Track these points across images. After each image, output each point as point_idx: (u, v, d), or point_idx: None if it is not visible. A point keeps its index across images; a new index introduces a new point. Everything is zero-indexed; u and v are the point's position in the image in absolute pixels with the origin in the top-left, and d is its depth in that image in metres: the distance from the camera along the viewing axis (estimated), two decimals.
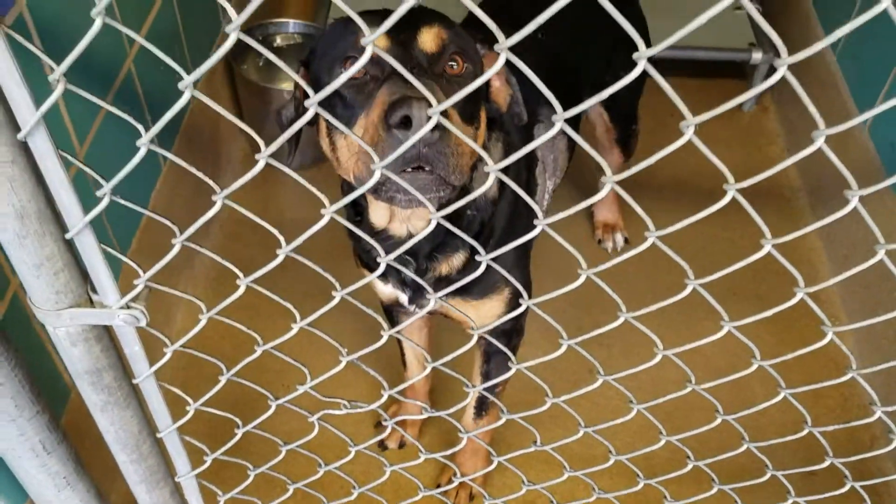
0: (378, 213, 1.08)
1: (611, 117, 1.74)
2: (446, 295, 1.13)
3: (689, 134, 0.57)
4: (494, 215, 1.15)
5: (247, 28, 2.22)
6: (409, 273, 0.94)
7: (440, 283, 1.14)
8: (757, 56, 2.35)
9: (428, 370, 0.92)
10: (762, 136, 2.48)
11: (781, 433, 0.96)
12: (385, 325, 0.87)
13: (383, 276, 1.20)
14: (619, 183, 0.60)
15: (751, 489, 1.01)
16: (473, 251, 1.13)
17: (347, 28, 0.94)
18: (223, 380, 0.91)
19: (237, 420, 1.00)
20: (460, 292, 1.17)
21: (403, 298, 1.20)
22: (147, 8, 1.62)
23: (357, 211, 1.12)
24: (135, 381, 0.88)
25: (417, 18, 0.91)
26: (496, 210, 1.14)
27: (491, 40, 0.96)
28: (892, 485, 1.51)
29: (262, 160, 0.63)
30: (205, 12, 2.03)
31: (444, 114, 0.60)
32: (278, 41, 2.33)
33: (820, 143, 0.57)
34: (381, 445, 1.67)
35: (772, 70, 2.42)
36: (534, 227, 0.69)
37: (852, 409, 1.72)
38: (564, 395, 0.87)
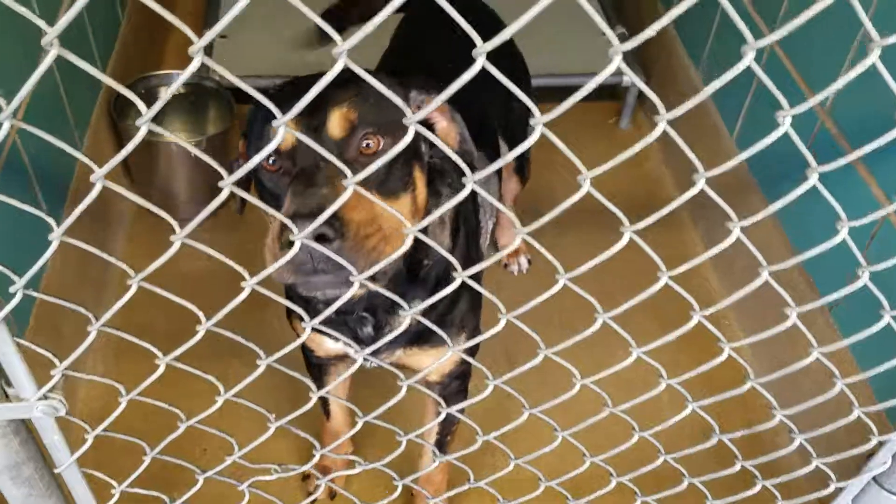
0: None
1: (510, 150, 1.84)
2: (405, 345, 1.18)
3: (585, 187, 0.62)
4: (449, 265, 1.15)
5: (129, 83, 2.18)
6: (367, 330, 0.94)
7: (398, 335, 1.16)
8: (627, 79, 2.50)
9: (359, 425, 0.93)
10: (639, 152, 2.62)
11: (695, 442, 1.02)
12: (312, 385, 0.88)
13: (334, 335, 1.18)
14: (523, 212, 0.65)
15: (673, 498, 1.07)
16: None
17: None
18: (147, 459, 0.90)
19: (164, 497, 0.98)
20: (418, 341, 1.19)
21: (354, 353, 1.20)
22: (28, 71, 1.57)
23: None
24: (56, 471, 0.86)
25: (330, 96, 0.90)
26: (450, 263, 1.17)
27: (429, 85, 1.00)
28: (801, 478, 1.62)
29: (177, 241, 0.63)
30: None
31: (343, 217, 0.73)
32: (163, 93, 2.29)
33: (701, 184, 0.64)
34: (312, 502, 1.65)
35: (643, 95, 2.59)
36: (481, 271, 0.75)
37: (756, 408, 1.85)
38: (494, 433, 0.90)
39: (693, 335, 0.70)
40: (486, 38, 0.51)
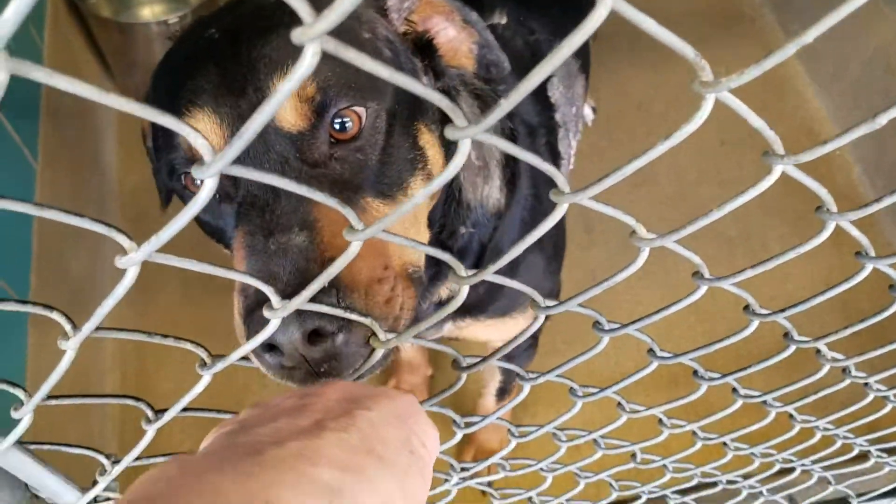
0: None
1: None
2: (456, 317, 0.98)
3: None
4: (498, 231, 0.93)
5: None
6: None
7: (440, 307, 0.99)
8: None
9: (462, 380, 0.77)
10: None
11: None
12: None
13: None
14: None
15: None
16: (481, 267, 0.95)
17: (176, 85, 0.65)
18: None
19: None
20: (472, 312, 0.99)
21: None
22: None
23: None
24: None
25: (261, 47, 0.63)
26: (501, 224, 0.93)
27: None
28: None
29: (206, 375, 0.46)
30: None
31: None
32: None
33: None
34: None
35: None
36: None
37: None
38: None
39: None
40: None
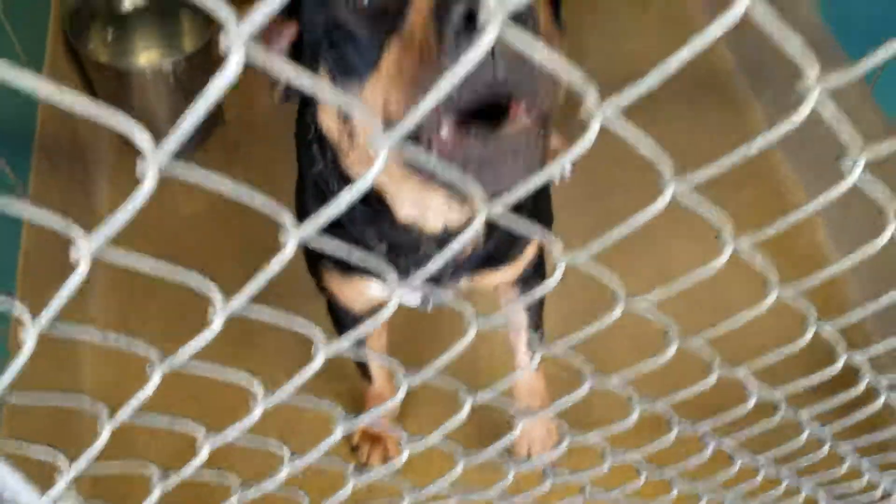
0: (408, 205, 0.88)
1: None
2: (472, 270, 1.02)
3: None
4: None
5: None
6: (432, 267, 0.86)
7: (462, 263, 1.01)
8: None
9: (402, 390, 0.77)
10: (681, 12, 2.41)
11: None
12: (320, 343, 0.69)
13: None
14: None
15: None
16: None
17: None
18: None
19: None
20: (490, 263, 1.04)
21: (411, 298, 1.04)
22: None
23: (369, 204, 0.90)
24: None
25: None
26: None
27: None
28: None
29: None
30: None
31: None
32: (126, 5, 2.10)
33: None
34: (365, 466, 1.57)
35: None
36: None
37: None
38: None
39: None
40: None
